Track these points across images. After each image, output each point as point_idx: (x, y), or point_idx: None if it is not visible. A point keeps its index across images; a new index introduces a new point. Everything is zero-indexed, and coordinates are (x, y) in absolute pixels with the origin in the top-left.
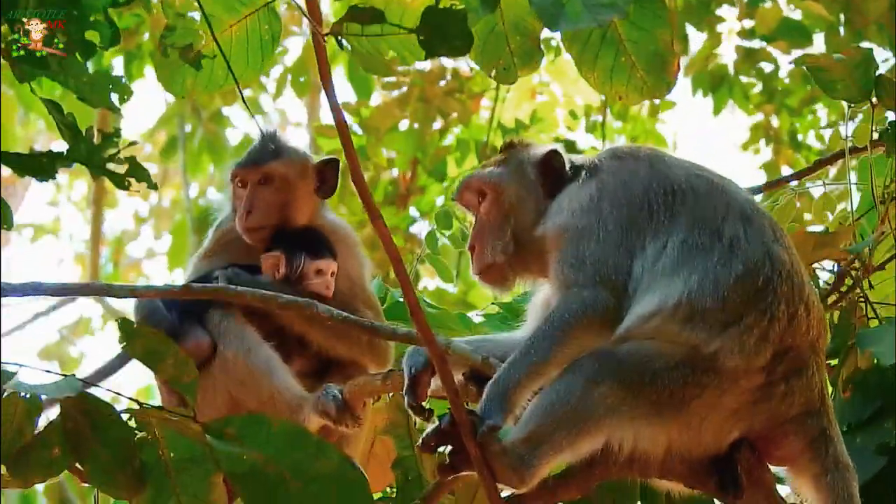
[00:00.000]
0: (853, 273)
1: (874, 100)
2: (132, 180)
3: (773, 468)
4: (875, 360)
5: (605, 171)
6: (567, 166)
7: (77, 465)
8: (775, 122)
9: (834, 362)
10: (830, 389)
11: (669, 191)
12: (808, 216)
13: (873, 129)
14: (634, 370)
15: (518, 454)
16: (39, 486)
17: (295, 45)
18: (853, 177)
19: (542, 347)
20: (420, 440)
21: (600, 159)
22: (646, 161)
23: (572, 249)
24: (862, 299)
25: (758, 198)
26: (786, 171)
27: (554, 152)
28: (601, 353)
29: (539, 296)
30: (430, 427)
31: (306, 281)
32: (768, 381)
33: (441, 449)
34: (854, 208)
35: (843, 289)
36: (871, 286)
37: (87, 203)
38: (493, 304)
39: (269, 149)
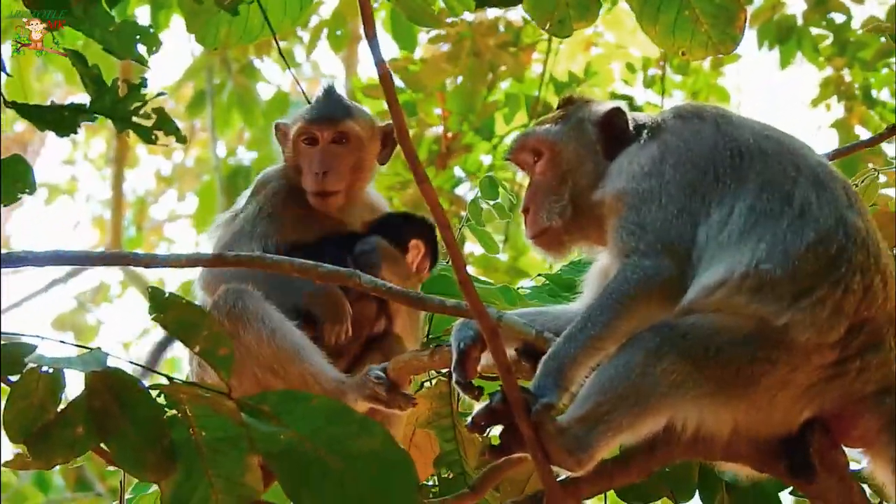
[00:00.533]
0: None
1: None
2: (160, 134)
3: (847, 451)
4: None
5: (669, 132)
6: (630, 126)
7: (102, 444)
8: (847, 76)
9: None
10: None
11: (736, 153)
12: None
13: None
14: (699, 344)
15: (574, 435)
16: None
17: None
18: None
19: (600, 321)
20: (469, 419)
21: (663, 118)
22: (711, 121)
23: (632, 215)
24: None
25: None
26: (859, 130)
27: (617, 110)
28: (663, 326)
29: (596, 265)
30: (479, 406)
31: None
32: (842, 357)
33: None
34: None
35: None
36: None
37: (105, 162)
38: (539, 275)
39: (343, 105)
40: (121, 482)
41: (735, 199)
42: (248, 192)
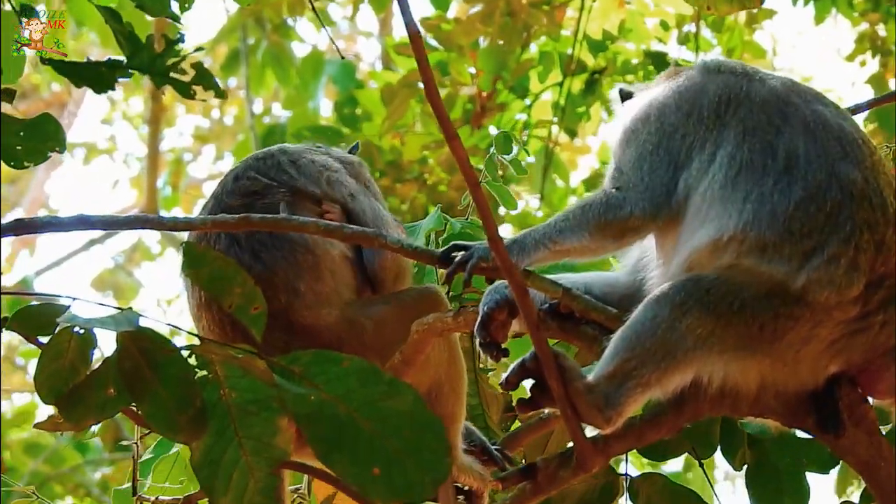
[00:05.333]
0: None
1: None
2: (198, 89)
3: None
4: None
5: (671, 82)
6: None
7: (133, 406)
8: (882, 31)
9: None
10: None
11: (723, 98)
12: None
13: None
14: (723, 300)
15: (603, 392)
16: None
17: None
18: None
19: (562, 226)
20: (503, 377)
21: (681, 73)
22: (714, 71)
23: (615, 160)
24: None
25: (863, 115)
26: (893, 84)
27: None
28: (687, 281)
29: None
30: (512, 365)
31: None
32: (864, 312)
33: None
34: None
35: None
36: None
37: (142, 120)
38: None
39: None
40: (135, 443)
41: (716, 145)
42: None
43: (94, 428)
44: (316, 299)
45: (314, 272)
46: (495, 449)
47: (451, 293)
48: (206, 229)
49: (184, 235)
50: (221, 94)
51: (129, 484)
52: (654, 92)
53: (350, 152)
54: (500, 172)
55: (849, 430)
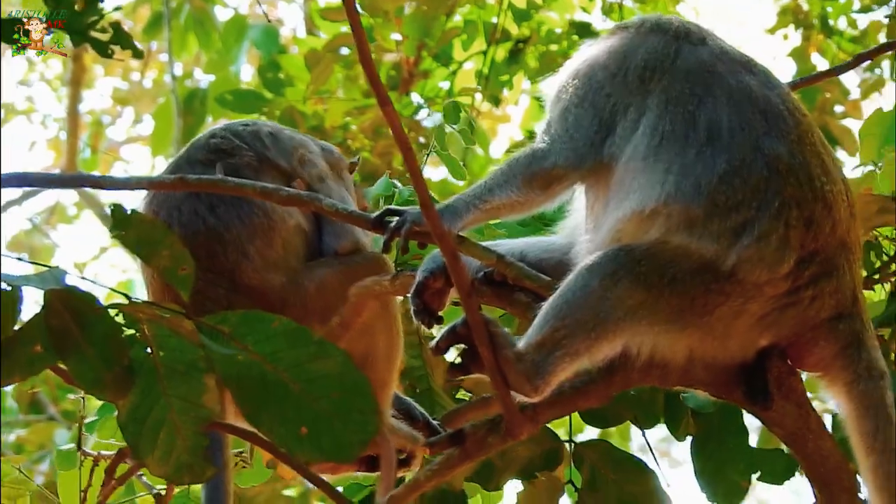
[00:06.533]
0: None
1: None
2: (116, 49)
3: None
4: None
5: (607, 40)
6: None
7: (60, 363)
8: (805, 5)
9: (886, 333)
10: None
11: (649, 65)
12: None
13: None
14: (654, 272)
15: (532, 361)
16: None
17: None
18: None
19: (492, 183)
20: (433, 342)
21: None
22: (648, 31)
23: (546, 115)
24: None
25: None
26: (816, 59)
27: None
28: (619, 251)
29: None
30: (443, 329)
31: None
32: (795, 287)
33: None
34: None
35: None
36: None
37: (62, 82)
38: None
39: None
40: (81, 401)
41: (639, 112)
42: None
43: (9, 388)
44: (263, 264)
45: (266, 237)
46: (437, 424)
47: (396, 259)
48: (142, 187)
49: (106, 196)
50: (139, 54)
51: (74, 444)
52: (590, 49)
53: (352, 163)
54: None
55: (777, 402)
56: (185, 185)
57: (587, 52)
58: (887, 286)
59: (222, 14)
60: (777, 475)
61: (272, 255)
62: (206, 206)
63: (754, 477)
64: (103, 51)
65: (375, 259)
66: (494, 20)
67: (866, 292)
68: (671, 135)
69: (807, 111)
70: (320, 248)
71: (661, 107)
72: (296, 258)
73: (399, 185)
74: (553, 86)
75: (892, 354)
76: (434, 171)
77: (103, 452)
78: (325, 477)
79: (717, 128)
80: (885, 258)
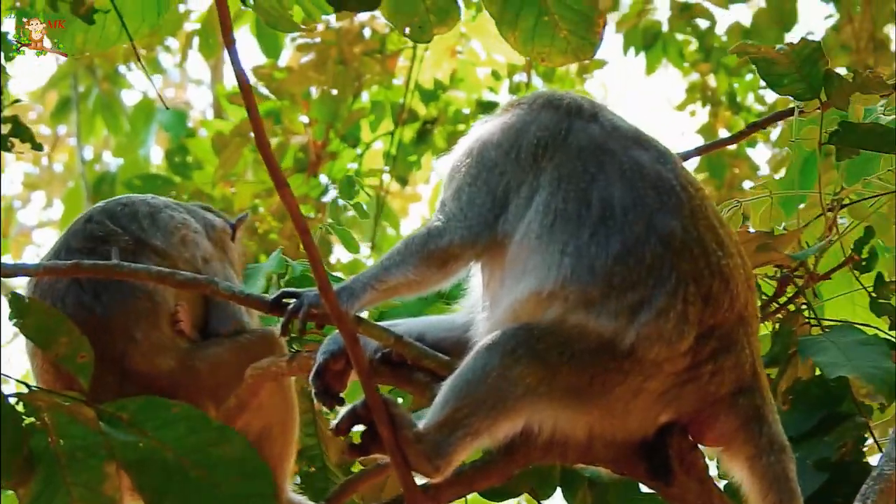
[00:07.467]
0: (797, 280)
1: (823, 98)
2: (15, 141)
3: (706, 452)
4: (817, 371)
5: (501, 116)
6: None
7: None
8: (712, 81)
9: (773, 373)
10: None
11: (542, 142)
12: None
13: (823, 131)
14: (553, 350)
15: (432, 441)
16: None
17: (202, 4)
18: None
19: (387, 264)
20: (333, 423)
21: (514, 106)
22: (541, 107)
23: (441, 195)
24: (805, 307)
25: (694, 161)
26: (724, 134)
27: None
28: (518, 329)
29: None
30: (343, 410)
31: None
32: (694, 363)
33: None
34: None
35: (786, 297)
36: (816, 296)
37: None
38: None
39: None
40: None
41: (532, 190)
42: None
43: None
44: (151, 347)
45: (151, 319)
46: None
47: (290, 335)
48: (39, 274)
49: (17, 281)
50: (38, 147)
51: None
52: (484, 126)
53: (238, 220)
54: (329, 220)
55: (679, 477)
56: (80, 269)
57: (481, 130)
58: (768, 324)
59: (130, 97)
60: None
61: (160, 338)
62: (91, 294)
63: None
64: (3, 145)
65: (265, 336)
66: (402, 101)
67: None
68: (564, 213)
69: (702, 186)
70: (206, 328)
71: (553, 184)
72: (184, 339)
73: (291, 261)
74: (448, 164)
75: (779, 394)
76: (344, 253)
77: None
78: None
79: (610, 206)
80: (764, 298)
